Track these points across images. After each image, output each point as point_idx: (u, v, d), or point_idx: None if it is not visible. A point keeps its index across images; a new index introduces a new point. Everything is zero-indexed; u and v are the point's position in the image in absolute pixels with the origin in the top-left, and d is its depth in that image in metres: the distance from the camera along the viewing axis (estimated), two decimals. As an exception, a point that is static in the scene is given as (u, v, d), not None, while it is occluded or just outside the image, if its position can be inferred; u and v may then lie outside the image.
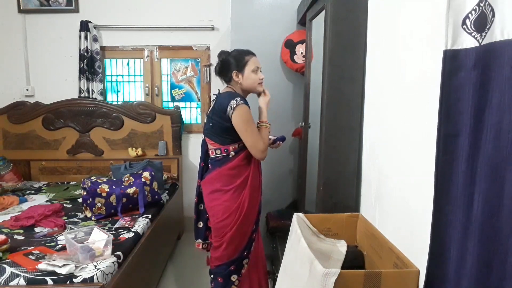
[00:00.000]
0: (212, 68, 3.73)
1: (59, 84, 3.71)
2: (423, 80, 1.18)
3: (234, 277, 2.01)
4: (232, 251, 1.97)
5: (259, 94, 2.07)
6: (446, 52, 0.89)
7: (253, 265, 2.07)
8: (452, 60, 0.87)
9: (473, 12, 0.81)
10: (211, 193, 1.99)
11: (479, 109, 0.80)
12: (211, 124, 1.98)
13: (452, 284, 0.89)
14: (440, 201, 0.93)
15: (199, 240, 2.18)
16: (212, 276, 2.08)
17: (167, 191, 3.17)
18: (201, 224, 2.17)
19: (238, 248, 1.98)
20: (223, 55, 2.04)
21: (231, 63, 1.98)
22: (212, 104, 2.04)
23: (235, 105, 1.86)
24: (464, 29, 0.84)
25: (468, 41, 0.83)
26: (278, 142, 2.15)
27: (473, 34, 0.82)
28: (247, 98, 2.03)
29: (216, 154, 1.98)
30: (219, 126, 1.93)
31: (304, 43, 2.66)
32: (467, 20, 0.83)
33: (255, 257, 2.08)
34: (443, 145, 0.91)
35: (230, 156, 1.95)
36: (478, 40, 0.81)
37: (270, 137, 2.14)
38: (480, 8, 0.79)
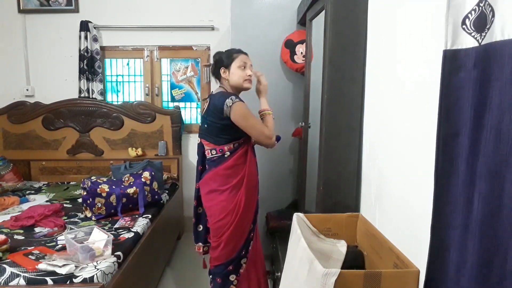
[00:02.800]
0: (212, 68, 3.74)
1: (59, 84, 3.71)
2: (423, 80, 1.18)
3: (232, 277, 2.01)
4: (230, 251, 1.98)
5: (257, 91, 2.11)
6: (445, 52, 0.89)
7: (252, 265, 2.07)
8: (452, 60, 0.87)
9: (473, 12, 0.81)
10: (208, 194, 2.01)
11: (479, 109, 0.80)
12: (206, 125, 2.00)
13: (452, 284, 0.89)
14: (440, 201, 0.93)
15: (200, 244, 2.19)
16: (211, 276, 2.08)
17: (167, 191, 3.17)
18: (200, 227, 2.17)
19: (236, 248, 1.98)
20: (217, 55, 2.07)
21: (221, 60, 2.02)
22: (206, 106, 2.04)
23: (231, 104, 1.88)
24: (463, 29, 0.84)
25: (468, 41, 0.83)
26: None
27: (472, 34, 0.82)
28: (256, 98, 2.09)
29: (212, 154, 2.00)
30: (214, 126, 1.95)
31: (304, 43, 2.65)
32: (467, 20, 0.83)
33: (254, 257, 2.08)
34: (443, 145, 0.91)
35: (225, 156, 1.96)
36: (478, 40, 0.81)
37: None
38: (480, 8, 0.79)
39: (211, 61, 3.65)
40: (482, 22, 0.79)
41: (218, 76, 2.08)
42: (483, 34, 0.79)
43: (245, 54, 2.05)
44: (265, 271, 2.24)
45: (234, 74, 2.00)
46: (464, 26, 0.84)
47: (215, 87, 3.67)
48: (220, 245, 1.98)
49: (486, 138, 0.78)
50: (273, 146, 2.00)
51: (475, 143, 0.81)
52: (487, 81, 0.79)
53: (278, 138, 2.17)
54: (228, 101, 1.88)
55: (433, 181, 0.94)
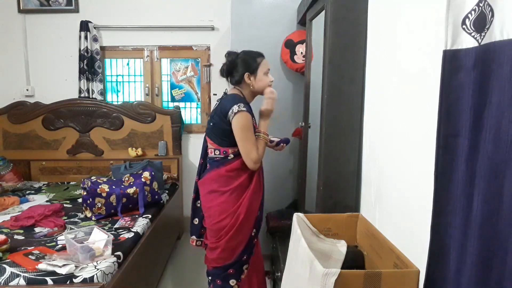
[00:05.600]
0: (212, 68, 3.73)
1: (59, 84, 3.71)
2: (423, 80, 1.18)
3: (233, 282, 1.97)
4: (228, 255, 1.94)
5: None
6: (445, 52, 0.89)
7: (253, 270, 2.04)
8: (452, 60, 0.87)
9: (473, 12, 0.81)
10: (208, 194, 1.97)
11: (479, 109, 0.80)
12: (211, 124, 1.97)
13: (452, 284, 0.89)
14: (440, 201, 0.93)
15: (193, 237, 2.14)
16: (210, 278, 2.06)
17: (167, 191, 3.17)
18: (196, 221, 2.13)
19: (235, 252, 1.94)
20: (232, 55, 2.00)
21: (243, 64, 1.95)
22: (216, 104, 2.03)
23: (236, 111, 1.84)
24: (463, 29, 0.84)
25: (467, 41, 0.83)
26: (282, 144, 2.14)
27: (472, 34, 0.82)
28: (255, 100, 2.04)
29: (215, 154, 1.97)
30: (219, 127, 1.92)
31: (304, 43, 2.66)
32: (467, 20, 0.83)
33: (255, 261, 2.05)
34: (443, 145, 0.91)
35: (229, 158, 1.94)
36: (477, 40, 0.81)
37: (274, 139, 2.13)
38: (480, 8, 0.79)
39: (211, 61, 3.71)
40: (481, 22, 0.79)
41: (234, 80, 2.00)
42: (483, 34, 0.79)
43: (264, 57, 2.01)
44: (264, 272, 2.22)
45: (261, 80, 1.96)
46: (464, 26, 0.84)
47: (215, 87, 3.73)
48: (218, 248, 1.94)
49: (485, 138, 0.78)
50: (254, 169, 1.92)
51: (475, 143, 0.81)
52: (487, 81, 0.79)
53: (287, 141, 2.16)
54: (235, 107, 1.84)
55: (433, 181, 0.94)
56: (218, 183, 1.94)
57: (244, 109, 1.86)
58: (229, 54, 2.01)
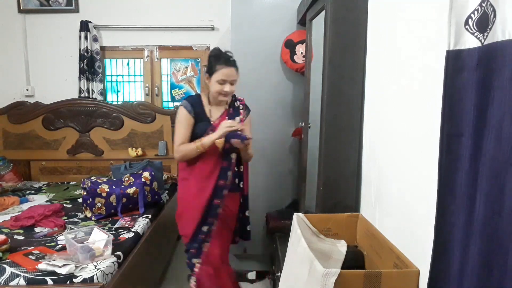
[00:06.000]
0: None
1: (59, 84, 3.71)
2: (423, 80, 1.18)
3: (188, 272, 2.07)
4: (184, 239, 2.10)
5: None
6: (448, 53, 0.88)
7: (212, 270, 2.00)
8: (455, 60, 0.87)
9: (476, 12, 0.81)
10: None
11: (481, 109, 0.80)
12: None
13: (455, 283, 0.89)
14: (444, 202, 0.92)
15: None
16: None
17: (167, 191, 3.17)
18: None
19: (185, 240, 2.08)
20: (213, 51, 2.06)
21: (208, 65, 2.04)
22: None
23: (178, 105, 2.06)
24: (466, 29, 0.84)
25: (470, 41, 0.83)
26: (234, 140, 1.92)
27: (475, 34, 0.82)
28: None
29: None
30: None
31: (304, 43, 2.65)
32: (470, 20, 0.82)
33: (213, 264, 2.01)
34: (446, 145, 0.91)
35: None
36: (480, 40, 0.81)
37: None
38: (482, 8, 0.79)
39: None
40: (484, 22, 0.79)
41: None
42: (485, 34, 0.79)
43: (232, 66, 1.96)
44: (233, 274, 2.16)
45: (212, 85, 2.00)
46: (467, 26, 0.83)
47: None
48: None
49: (488, 137, 0.78)
50: (177, 160, 2.10)
51: (478, 143, 0.81)
52: (489, 81, 0.78)
53: (239, 137, 1.93)
54: (180, 103, 2.04)
55: (437, 180, 0.94)
56: (180, 172, 2.14)
57: (183, 105, 2.03)
58: (212, 50, 2.08)
